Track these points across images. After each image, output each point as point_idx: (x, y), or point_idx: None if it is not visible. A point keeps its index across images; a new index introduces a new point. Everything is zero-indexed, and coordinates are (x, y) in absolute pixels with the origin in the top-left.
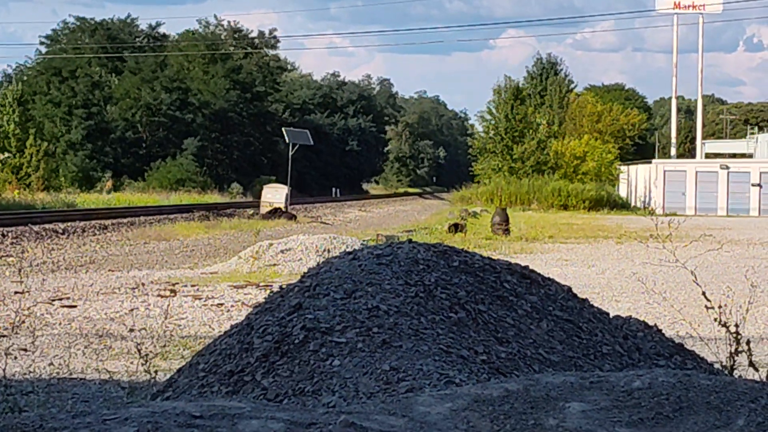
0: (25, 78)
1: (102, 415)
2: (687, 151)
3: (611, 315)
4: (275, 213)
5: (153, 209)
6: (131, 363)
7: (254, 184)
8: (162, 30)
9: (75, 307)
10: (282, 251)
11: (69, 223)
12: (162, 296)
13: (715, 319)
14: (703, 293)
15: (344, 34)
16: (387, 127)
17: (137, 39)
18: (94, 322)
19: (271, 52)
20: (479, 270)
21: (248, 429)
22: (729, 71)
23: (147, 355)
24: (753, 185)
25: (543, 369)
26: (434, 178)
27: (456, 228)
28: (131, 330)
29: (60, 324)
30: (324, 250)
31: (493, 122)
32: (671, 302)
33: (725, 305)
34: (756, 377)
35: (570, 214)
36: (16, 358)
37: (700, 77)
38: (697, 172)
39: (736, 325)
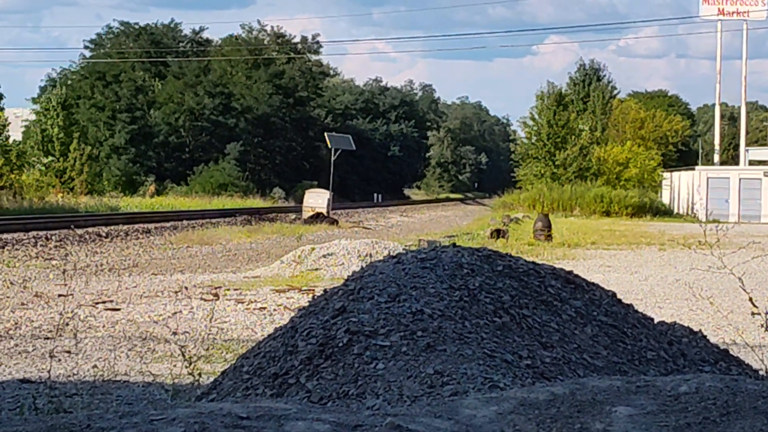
0: (69, 82)
1: (149, 415)
2: (730, 158)
3: (655, 321)
4: (317, 218)
5: (196, 213)
6: (175, 366)
7: (296, 189)
8: (205, 35)
9: (118, 310)
10: (324, 256)
11: (112, 227)
12: (205, 300)
13: (762, 325)
14: (750, 299)
15: (387, 39)
16: (429, 133)
17: (181, 44)
18: (137, 324)
19: (314, 57)
20: (523, 274)
21: (294, 430)
22: None
23: (191, 357)
24: None
25: (587, 374)
26: (476, 184)
27: (498, 233)
28: (174, 333)
29: (103, 327)
30: (366, 255)
31: (535, 128)
32: (717, 308)
33: None
34: None
35: (612, 220)
36: (60, 360)
37: (743, 84)
38: (740, 179)
39: None
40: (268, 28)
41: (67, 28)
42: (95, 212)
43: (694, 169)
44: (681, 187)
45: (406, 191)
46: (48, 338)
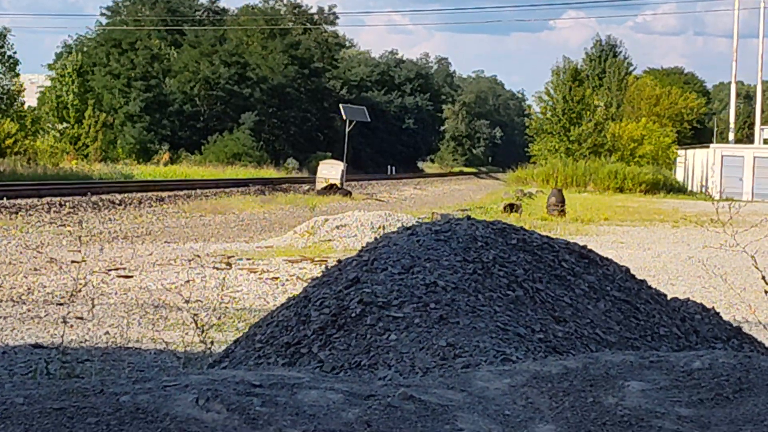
0: (85, 49)
1: (162, 381)
2: (745, 136)
3: (668, 297)
4: (331, 189)
5: (209, 182)
6: (187, 333)
7: (310, 159)
8: (222, 4)
9: (131, 277)
10: (337, 227)
11: (126, 195)
12: (218, 269)
13: None
14: (763, 277)
15: (403, 11)
16: (444, 106)
17: (197, 12)
18: (150, 292)
19: (330, 28)
20: (537, 248)
21: (307, 399)
22: None
23: (203, 326)
24: None
25: (600, 349)
26: (490, 158)
27: (511, 208)
28: (187, 301)
29: (116, 294)
30: (379, 227)
31: (550, 103)
32: (730, 286)
33: None
34: None
35: (626, 196)
36: (72, 326)
37: (760, 62)
38: (755, 158)
39: None
40: None
41: None
42: (109, 179)
43: (708, 147)
44: (695, 164)
45: (420, 164)
46: (60, 304)
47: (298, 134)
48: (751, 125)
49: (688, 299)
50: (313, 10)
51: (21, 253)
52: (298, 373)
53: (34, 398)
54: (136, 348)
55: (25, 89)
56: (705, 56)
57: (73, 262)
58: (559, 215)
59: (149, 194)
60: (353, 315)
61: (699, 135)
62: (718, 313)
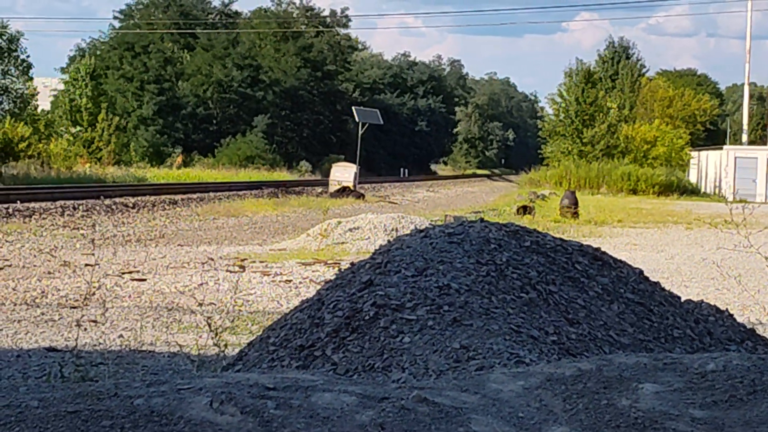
0: (98, 52)
1: (176, 384)
2: (759, 137)
3: (682, 299)
4: (343, 192)
5: (222, 185)
6: (200, 336)
7: (323, 162)
8: (234, 7)
9: (145, 280)
10: (350, 230)
11: (139, 198)
12: (231, 271)
13: None
14: None
15: (416, 14)
16: (456, 108)
17: (210, 15)
18: (163, 295)
19: (343, 31)
20: (551, 251)
21: (321, 401)
22: None
23: (216, 329)
24: None
25: (613, 351)
26: (503, 160)
27: (524, 210)
28: (200, 304)
29: (129, 297)
30: (392, 230)
31: (563, 105)
32: (744, 287)
33: None
34: None
35: (639, 198)
36: (86, 329)
37: None
38: None
39: None
40: (297, 1)
41: None
42: (122, 183)
43: (721, 149)
44: (708, 166)
45: (433, 166)
46: (74, 307)
47: (310, 137)
48: (765, 126)
49: (702, 301)
50: (326, 13)
51: (35, 256)
52: (312, 375)
53: (49, 401)
54: (150, 351)
55: (38, 93)
56: (718, 58)
57: (86, 265)
58: (573, 217)
59: (162, 197)
60: (367, 318)
61: (712, 136)
62: (732, 315)
